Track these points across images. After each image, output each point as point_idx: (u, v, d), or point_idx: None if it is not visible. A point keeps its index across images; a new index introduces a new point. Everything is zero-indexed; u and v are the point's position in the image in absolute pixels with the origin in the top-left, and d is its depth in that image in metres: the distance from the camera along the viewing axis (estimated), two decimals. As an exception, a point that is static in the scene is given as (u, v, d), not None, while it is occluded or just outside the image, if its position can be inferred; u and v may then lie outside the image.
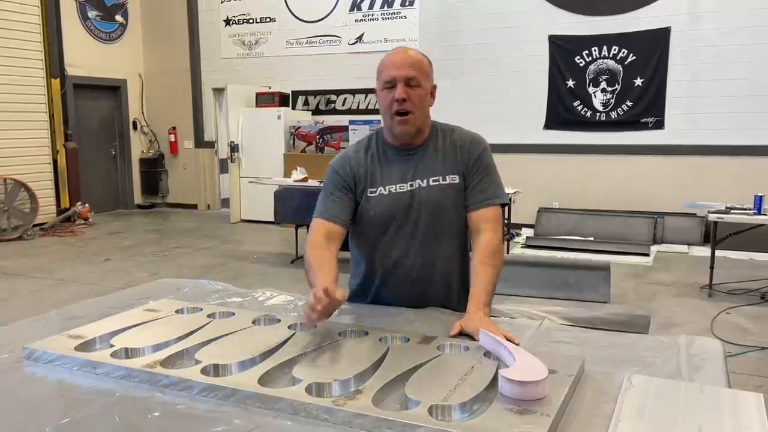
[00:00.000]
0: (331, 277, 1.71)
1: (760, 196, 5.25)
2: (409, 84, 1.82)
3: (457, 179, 1.91)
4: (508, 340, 1.45)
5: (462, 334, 1.60)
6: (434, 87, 1.92)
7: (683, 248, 7.44)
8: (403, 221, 1.91)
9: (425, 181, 1.90)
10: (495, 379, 1.27)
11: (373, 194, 1.92)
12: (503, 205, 1.94)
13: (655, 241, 7.64)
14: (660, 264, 6.72)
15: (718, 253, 5.57)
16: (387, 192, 1.91)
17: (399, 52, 1.88)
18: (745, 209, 5.37)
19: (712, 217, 5.33)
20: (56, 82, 9.60)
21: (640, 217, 7.89)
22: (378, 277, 1.98)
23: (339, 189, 1.93)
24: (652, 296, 5.45)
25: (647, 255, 7.04)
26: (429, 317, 1.84)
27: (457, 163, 1.92)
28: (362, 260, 2.01)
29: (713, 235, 5.47)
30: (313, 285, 1.65)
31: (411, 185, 1.90)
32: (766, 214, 5.22)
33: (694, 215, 7.61)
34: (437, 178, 1.90)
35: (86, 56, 10.22)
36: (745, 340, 4.29)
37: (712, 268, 5.44)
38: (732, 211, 5.40)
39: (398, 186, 1.91)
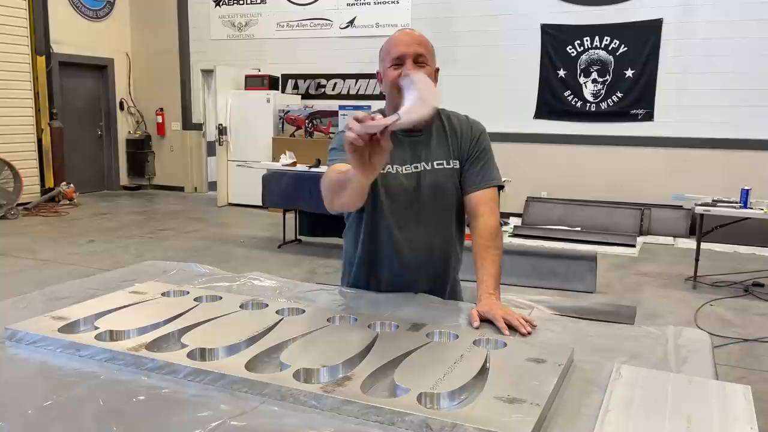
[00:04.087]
0: None
1: (747, 190, 5.29)
2: (418, 61, 1.83)
3: (458, 164, 1.95)
4: (527, 322, 1.59)
5: (482, 320, 1.63)
6: (437, 70, 1.92)
7: (669, 240, 7.50)
8: (408, 203, 1.92)
9: (430, 164, 1.93)
10: (484, 367, 1.27)
11: (382, 170, 1.89)
12: (500, 188, 1.98)
13: (641, 233, 7.69)
14: (646, 255, 6.77)
15: (703, 245, 5.61)
16: (395, 171, 1.92)
17: (406, 32, 1.90)
18: (732, 202, 5.42)
19: (699, 209, 5.37)
20: (41, 60, 9.44)
21: (628, 208, 7.94)
22: (379, 258, 1.97)
23: None
24: (638, 287, 5.49)
25: (633, 246, 7.09)
26: (418, 304, 1.83)
27: (459, 148, 1.96)
28: (361, 242, 1.99)
29: (699, 227, 5.51)
30: (350, 177, 1.55)
31: (416, 167, 1.92)
32: (751, 208, 5.27)
33: (680, 207, 7.66)
34: (441, 162, 1.94)
35: (73, 34, 10.06)
36: (728, 331, 4.34)
37: (697, 260, 5.49)
38: (718, 204, 5.44)
39: (404, 167, 1.92)
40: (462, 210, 2.00)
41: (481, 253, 1.85)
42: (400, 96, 1.71)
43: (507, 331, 1.56)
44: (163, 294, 1.75)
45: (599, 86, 8.14)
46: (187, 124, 10.93)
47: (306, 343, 1.41)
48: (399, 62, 1.83)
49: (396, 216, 1.93)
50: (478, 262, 1.84)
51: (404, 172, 1.92)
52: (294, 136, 9.29)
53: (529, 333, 1.57)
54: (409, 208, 1.92)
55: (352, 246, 2.04)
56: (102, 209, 9.23)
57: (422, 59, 1.83)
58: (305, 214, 6.91)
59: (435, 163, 1.93)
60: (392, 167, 1.91)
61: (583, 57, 8.15)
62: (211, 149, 10.60)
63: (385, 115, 1.82)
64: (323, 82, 9.75)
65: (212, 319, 1.54)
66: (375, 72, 1.97)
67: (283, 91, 9.90)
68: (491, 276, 1.79)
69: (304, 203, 6.45)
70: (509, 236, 7.54)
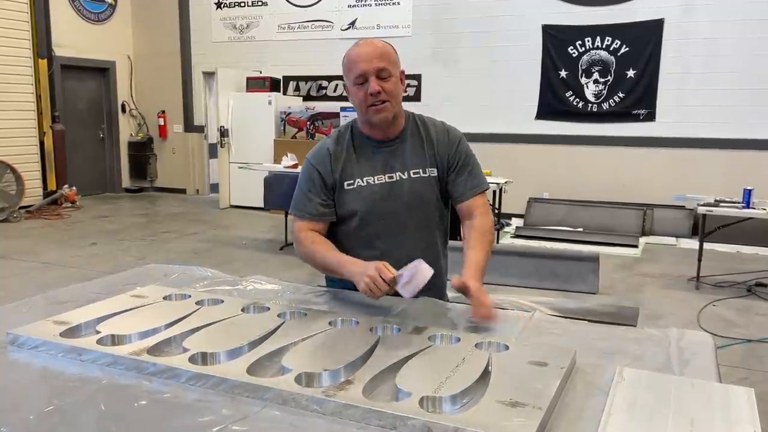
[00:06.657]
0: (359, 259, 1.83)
1: (749, 190, 5.27)
2: (381, 76, 1.80)
3: (435, 172, 1.94)
4: (489, 317, 1.65)
5: (459, 290, 1.69)
6: (402, 72, 1.89)
7: (671, 240, 7.48)
8: (386, 213, 1.90)
9: (406, 173, 1.91)
10: (486, 370, 1.26)
11: (351, 187, 1.90)
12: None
13: (643, 233, 7.68)
14: (648, 256, 6.75)
15: (705, 245, 5.60)
16: (365, 183, 1.90)
17: (365, 44, 1.85)
18: (734, 202, 5.40)
19: (702, 209, 5.36)
20: (43, 63, 9.45)
21: (630, 209, 7.93)
22: None
23: (316, 187, 1.93)
24: (640, 288, 5.48)
25: (636, 246, 7.08)
26: (420, 307, 1.83)
27: (435, 155, 1.94)
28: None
29: (702, 227, 5.50)
30: (337, 265, 1.82)
31: (391, 177, 1.91)
32: (754, 208, 5.25)
33: (682, 207, 7.65)
34: (418, 170, 1.92)
35: (74, 37, 10.07)
36: (730, 332, 4.33)
37: (699, 260, 5.47)
38: (721, 204, 5.43)
39: (375, 177, 1.90)
40: (443, 217, 2.01)
41: (471, 241, 1.87)
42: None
43: (478, 309, 1.65)
44: (165, 298, 1.75)
45: (600, 86, 8.13)
46: (189, 126, 10.94)
47: (307, 347, 1.41)
48: (362, 80, 1.80)
49: (374, 226, 1.91)
50: (468, 247, 1.85)
51: (376, 182, 1.90)
52: (296, 138, 9.30)
53: (487, 318, 1.63)
54: (386, 218, 1.91)
55: None
56: (104, 212, 9.24)
57: (385, 73, 1.80)
58: (307, 216, 6.90)
59: (411, 172, 1.91)
60: (362, 179, 1.90)
61: (585, 57, 8.14)
62: (212, 151, 10.60)
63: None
64: (325, 83, 9.75)
65: (214, 322, 1.54)
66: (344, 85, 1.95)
67: (284, 93, 9.90)
68: (477, 264, 1.80)
69: (305, 205, 6.44)
70: (511, 237, 7.54)
